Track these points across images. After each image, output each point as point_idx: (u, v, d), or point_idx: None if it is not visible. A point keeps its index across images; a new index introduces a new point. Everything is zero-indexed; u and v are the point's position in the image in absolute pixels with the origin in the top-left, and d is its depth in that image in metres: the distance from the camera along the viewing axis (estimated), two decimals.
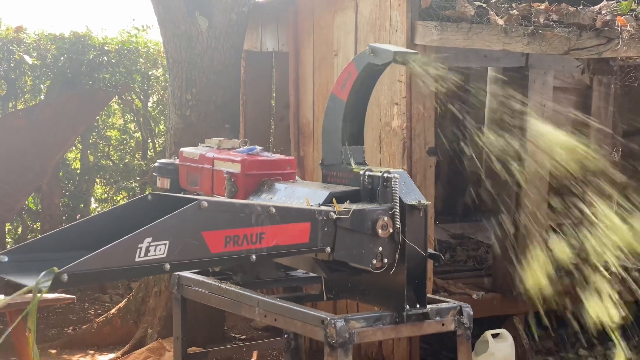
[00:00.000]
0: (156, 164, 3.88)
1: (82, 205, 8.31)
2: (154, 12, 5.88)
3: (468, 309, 3.13)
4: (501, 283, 5.49)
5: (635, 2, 4.41)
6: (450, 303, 3.13)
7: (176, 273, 3.60)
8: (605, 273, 5.86)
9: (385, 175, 2.95)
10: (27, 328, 2.31)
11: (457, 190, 8.44)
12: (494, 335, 4.75)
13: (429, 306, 3.02)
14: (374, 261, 2.90)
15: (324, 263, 3.07)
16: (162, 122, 8.73)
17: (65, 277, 2.28)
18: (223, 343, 5.96)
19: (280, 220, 2.75)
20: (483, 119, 5.50)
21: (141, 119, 8.62)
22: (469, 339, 3.15)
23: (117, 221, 2.77)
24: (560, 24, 4.32)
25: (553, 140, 3.03)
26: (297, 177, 3.48)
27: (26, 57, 7.57)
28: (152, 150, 8.69)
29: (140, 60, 8.34)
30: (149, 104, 8.83)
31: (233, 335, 6.35)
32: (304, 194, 3.08)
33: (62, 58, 7.83)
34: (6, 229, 7.84)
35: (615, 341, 5.22)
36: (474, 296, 5.27)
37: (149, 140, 8.71)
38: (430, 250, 3.11)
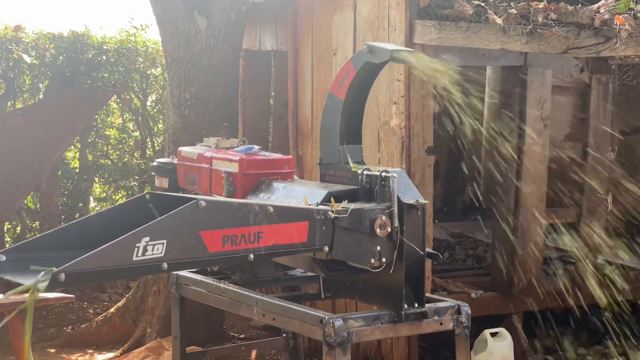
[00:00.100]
0: (154, 163, 3.88)
1: (81, 204, 8.31)
2: (153, 12, 5.88)
3: (466, 308, 3.13)
4: (500, 282, 5.50)
5: (633, 1, 4.41)
6: (449, 302, 3.14)
7: (174, 272, 3.60)
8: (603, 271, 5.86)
9: (384, 174, 2.95)
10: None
11: (456, 189, 8.45)
12: (493, 334, 4.75)
13: (427, 305, 3.02)
14: (372, 260, 2.90)
15: (322, 262, 3.07)
16: (160, 121, 8.73)
17: (62, 276, 2.28)
18: (222, 342, 5.96)
19: (278, 220, 2.75)
20: (482, 118, 5.50)
21: (140, 118, 8.62)
22: (468, 338, 3.15)
23: (115, 220, 2.77)
24: (559, 22, 4.32)
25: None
26: (295, 177, 3.48)
27: (25, 56, 7.56)
28: (150, 150, 8.69)
29: (139, 59, 8.34)
30: (148, 103, 8.83)
31: (232, 334, 6.36)
32: (302, 193, 3.08)
33: (60, 57, 7.83)
34: (5, 228, 7.84)
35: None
36: (473, 295, 5.27)
37: (148, 140, 8.71)
38: (428, 249, 3.11)
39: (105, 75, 8.16)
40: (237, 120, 6.32)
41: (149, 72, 8.56)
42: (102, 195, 8.96)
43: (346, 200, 2.98)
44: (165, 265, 2.52)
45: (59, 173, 7.99)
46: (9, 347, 5.46)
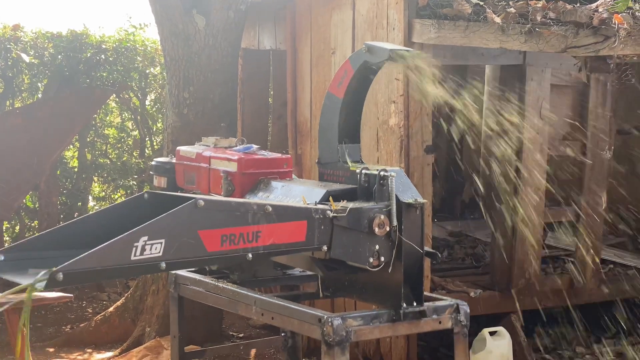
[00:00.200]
0: (153, 163, 3.88)
1: (79, 203, 8.31)
2: (151, 10, 5.88)
3: (465, 307, 3.13)
4: (499, 281, 5.50)
5: (632, 0, 4.41)
6: (447, 301, 3.13)
7: (173, 272, 3.60)
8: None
9: (382, 173, 2.95)
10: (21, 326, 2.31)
11: (455, 188, 8.45)
12: (492, 333, 4.76)
13: (426, 304, 3.02)
14: (371, 259, 2.89)
15: (321, 261, 3.07)
16: (159, 120, 8.73)
17: (60, 275, 2.28)
18: (221, 341, 5.96)
19: (276, 219, 2.74)
20: (480, 117, 5.49)
21: (139, 117, 8.62)
22: (466, 337, 3.15)
23: (113, 219, 2.77)
24: (558, 21, 4.32)
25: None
26: (294, 176, 3.48)
27: (23, 56, 7.56)
28: (149, 149, 8.68)
29: (138, 58, 8.34)
30: (147, 102, 8.83)
31: (231, 333, 6.36)
32: (300, 193, 3.07)
33: (59, 56, 7.82)
34: (4, 228, 7.84)
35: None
36: (472, 294, 5.28)
37: (147, 139, 8.71)
38: (427, 248, 3.11)
39: (104, 74, 8.15)
40: (236, 119, 6.32)
41: (147, 71, 8.56)
42: (101, 195, 8.96)
43: (345, 200, 2.98)
44: (163, 264, 2.51)
45: (58, 172, 7.99)
46: (8, 346, 5.46)
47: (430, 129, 4.90)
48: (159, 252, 2.49)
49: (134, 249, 2.43)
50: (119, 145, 8.82)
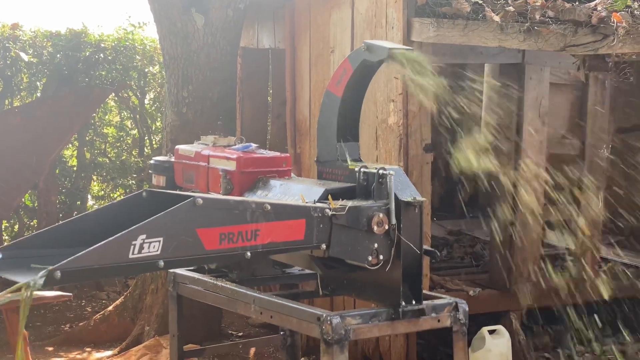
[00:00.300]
0: (152, 162, 3.87)
1: (78, 202, 8.31)
2: (150, 9, 5.87)
3: (464, 305, 3.13)
4: (498, 279, 5.50)
5: None
6: (446, 299, 3.13)
7: (172, 270, 3.60)
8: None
9: (381, 171, 2.95)
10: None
11: (454, 186, 8.44)
12: (491, 332, 4.76)
13: (425, 302, 3.02)
14: (370, 258, 2.89)
15: (320, 260, 3.07)
16: (158, 119, 8.73)
17: (58, 274, 2.28)
18: (220, 340, 5.96)
19: (275, 217, 2.74)
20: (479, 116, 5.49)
21: (138, 116, 8.62)
22: (465, 335, 3.15)
23: (112, 218, 2.76)
24: (556, 20, 4.32)
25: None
26: (293, 174, 3.48)
27: (22, 54, 7.56)
28: (148, 148, 8.68)
29: (137, 57, 8.34)
30: (146, 101, 8.83)
31: (230, 332, 6.35)
32: (299, 191, 3.07)
33: (58, 55, 7.82)
34: (2, 227, 7.83)
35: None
36: (471, 292, 5.28)
37: (146, 138, 8.71)
38: (426, 247, 3.11)
39: (103, 73, 8.15)
40: (235, 118, 6.32)
41: (146, 70, 8.56)
42: (100, 194, 8.96)
43: (343, 198, 2.97)
44: (161, 263, 2.51)
45: (57, 171, 7.98)
46: (7, 345, 5.46)
47: (429, 128, 4.90)
48: (157, 251, 2.49)
49: (132, 247, 2.42)
50: (118, 144, 8.82)
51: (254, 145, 3.50)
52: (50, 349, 6.08)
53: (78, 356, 5.91)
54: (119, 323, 6.24)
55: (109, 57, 8.11)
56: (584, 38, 4.20)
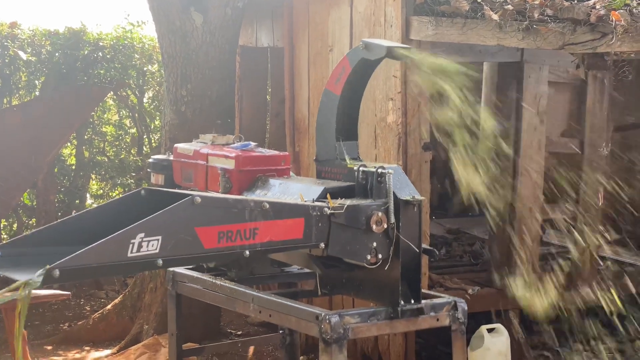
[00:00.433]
0: (150, 160, 3.87)
1: (77, 201, 8.31)
2: (149, 8, 5.87)
3: (462, 304, 3.13)
4: (497, 278, 5.50)
5: None
6: (445, 298, 3.13)
7: (171, 269, 3.60)
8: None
9: (380, 170, 2.95)
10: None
11: (453, 185, 8.44)
12: (490, 330, 4.75)
13: (423, 301, 3.02)
14: (368, 257, 2.89)
15: (319, 259, 3.07)
16: (157, 117, 8.72)
17: (57, 272, 2.27)
18: (219, 339, 5.96)
19: (273, 216, 2.74)
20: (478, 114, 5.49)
21: (136, 115, 8.61)
22: (464, 334, 3.15)
23: (110, 216, 2.76)
24: (555, 18, 4.32)
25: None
26: (292, 173, 3.48)
27: (21, 53, 7.56)
28: (147, 146, 8.68)
29: (136, 55, 8.33)
30: (144, 100, 8.82)
31: (229, 330, 6.35)
32: (298, 190, 3.07)
33: (56, 54, 7.81)
34: (1, 225, 7.83)
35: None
36: (470, 291, 5.27)
37: (145, 136, 8.70)
38: (424, 246, 3.10)
39: (102, 71, 8.15)
40: (234, 116, 6.32)
41: (145, 68, 8.55)
42: (98, 192, 8.95)
43: (342, 197, 2.97)
44: (160, 261, 2.51)
45: (56, 170, 7.98)
46: (6, 344, 5.45)
47: (428, 126, 4.90)
48: (156, 249, 2.48)
49: (131, 245, 2.42)
50: (117, 143, 8.81)
51: (252, 143, 3.50)
52: (49, 347, 6.07)
53: (77, 355, 5.91)
54: (118, 322, 6.24)
55: (108, 56, 8.11)
56: (582, 36, 4.20)
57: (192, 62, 5.75)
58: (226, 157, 3.38)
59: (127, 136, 8.88)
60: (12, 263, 2.57)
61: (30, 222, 8.13)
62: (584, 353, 5.56)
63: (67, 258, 2.29)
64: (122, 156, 8.70)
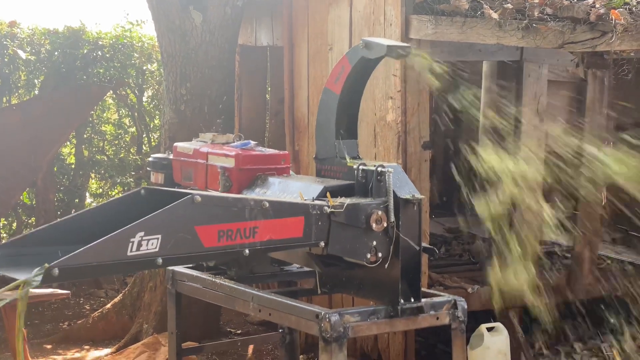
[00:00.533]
0: (150, 159, 3.87)
1: (77, 200, 8.30)
2: (148, 6, 5.87)
3: (462, 303, 3.13)
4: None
5: None
6: (445, 297, 3.13)
7: (170, 268, 3.60)
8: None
9: (379, 169, 2.95)
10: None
11: (452, 184, 8.44)
12: (489, 329, 4.75)
13: (423, 300, 3.02)
14: (368, 255, 2.89)
15: (318, 257, 3.06)
16: (157, 116, 8.72)
17: (56, 271, 2.27)
18: (218, 338, 5.96)
19: (274, 215, 2.74)
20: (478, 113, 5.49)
21: (136, 114, 8.61)
22: (464, 333, 3.15)
23: (110, 215, 2.76)
24: (555, 17, 4.32)
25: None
26: (291, 172, 3.47)
27: (20, 52, 7.55)
28: (147, 145, 8.67)
29: (135, 54, 8.33)
30: (144, 99, 8.82)
31: (228, 329, 6.35)
32: (297, 188, 3.07)
33: (56, 53, 7.81)
34: (1, 224, 7.83)
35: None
36: (470, 290, 5.28)
37: (144, 135, 8.70)
38: (424, 244, 3.10)
39: (101, 70, 8.14)
40: (233, 115, 6.32)
41: (144, 67, 8.55)
42: (98, 191, 8.95)
43: (342, 196, 2.97)
44: (160, 260, 2.51)
45: (55, 169, 7.97)
46: (5, 342, 5.45)
47: (428, 125, 4.90)
48: (156, 248, 2.48)
49: (130, 244, 2.42)
50: (116, 142, 8.81)
51: (252, 142, 3.50)
52: (49, 346, 6.07)
53: (76, 354, 5.91)
54: (118, 321, 6.24)
55: (107, 55, 8.10)
56: (582, 35, 4.20)
57: (192, 61, 5.75)
58: (226, 155, 3.38)
59: (126, 135, 8.87)
60: (11, 262, 2.57)
61: (30, 221, 8.12)
62: (584, 351, 5.56)
63: (66, 257, 2.29)
64: (122, 155, 8.69)
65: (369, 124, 5.07)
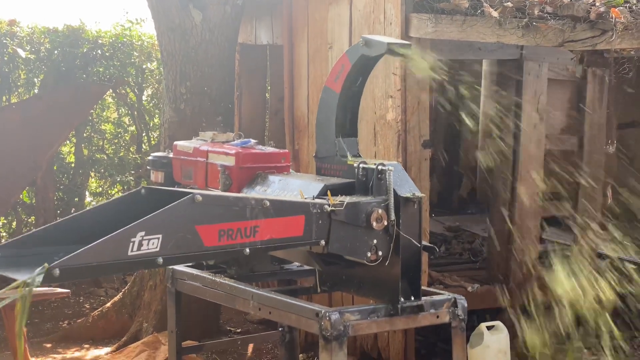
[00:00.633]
0: (150, 158, 3.87)
1: (76, 199, 8.30)
2: (148, 5, 5.86)
3: (462, 301, 3.13)
4: (496, 275, 5.50)
5: None
6: (445, 295, 3.13)
7: (170, 267, 3.59)
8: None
9: (380, 167, 2.95)
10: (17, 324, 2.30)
11: (452, 182, 8.45)
12: (489, 328, 4.75)
13: (423, 298, 3.02)
14: (369, 254, 2.89)
15: (319, 256, 3.06)
16: (156, 115, 8.71)
17: (57, 271, 2.27)
18: (218, 336, 5.96)
19: (274, 214, 2.74)
20: (478, 112, 5.49)
21: (135, 113, 8.60)
22: (464, 331, 3.15)
23: (110, 215, 2.76)
24: (555, 16, 4.32)
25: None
26: (291, 170, 3.47)
27: (20, 51, 7.54)
28: (146, 144, 8.67)
29: (135, 53, 8.32)
30: (144, 98, 8.81)
31: (228, 328, 6.35)
32: (298, 187, 3.07)
33: (55, 51, 7.80)
34: (0, 223, 7.82)
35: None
36: (469, 288, 5.28)
37: (144, 134, 8.69)
38: (424, 243, 3.10)
39: (101, 69, 8.14)
40: (233, 114, 6.31)
41: (144, 66, 8.54)
42: (98, 190, 8.94)
43: (342, 194, 2.97)
44: (160, 259, 2.51)
45: (55, 168, 7.97)
46: (5, 341, 5.46)
47: (428, 124, 4.89)
48: (156, 247, 2.48)
49: (131, 244, 2.42)
50: (116, 141, 8.80)
51: (252, 141, 3.50)
52: (49, 345, 6.07)
53: (76, 353, 5.91)
54: (117, 320, 6.24)
55: (107, 54, 8.10)
56: (582, 34, 4.20)
57: (191, 59, 5.74)
58: (226, 154, 3.38)
59: (126, 134, 8.87)
60: (12, 263, 2.57)
61: (30, 220, 8.12)
62: (584, 350, 5.56)
63: (67, 257, 2.29)
64: (121, 154, 8.69)
65: (369, 123, 5.07)
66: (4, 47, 7.57)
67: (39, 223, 7.44)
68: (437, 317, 3.07)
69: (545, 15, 4.35)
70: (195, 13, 5.69)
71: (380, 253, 2.90)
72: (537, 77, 5.35)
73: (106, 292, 7.53)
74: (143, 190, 2.86)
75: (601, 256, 6.06)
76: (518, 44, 4.82)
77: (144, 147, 8.63)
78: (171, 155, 3.76)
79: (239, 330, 6.33)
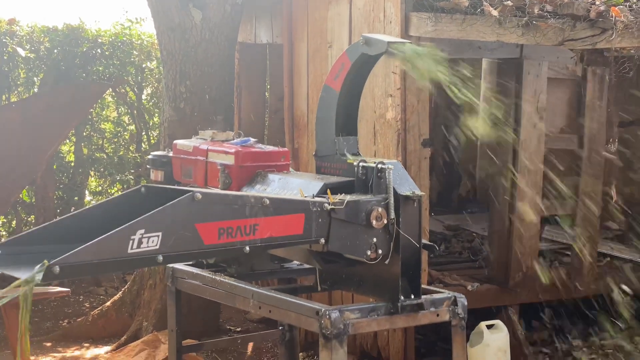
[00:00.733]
0: (149, 157, 3.86)
1: (76, 198, 8.30)
2: (148, 4, 5.86)
3: (462, 300, 3.13)
4: (496, 274, 5.50)
5: None
6: (445, 294, 3.13)
7: (170, 265, 3.59)
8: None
9: (379, 166, 2.95)
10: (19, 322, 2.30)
11: (452, 181, 8.45)
12: (489, 326, 4.75)
13: (423, 297, 3.02)
14: (368, 252, 2.89)
15: (319, 254, 3.06)
16: (156, 114, 8.71)
17: (57, 269, 2.27)
18: (218, 335, 5.96)
19: (274, 212, 2.74)
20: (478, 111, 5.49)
21: (135, 112, 8.60)
22: (464, 330, 3.15)
23: (110, 213, 2.76)
24: (555, 14, 4.32)
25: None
26: (291, 169, 3.47)
27: (19, 50, 7.54)
28: (146, 143, 8.67)
29: (134, 52, 8.32)
30: (143, 97, 8.81)
31: (228, 327, 6.36)
32: (297, 185, 3.07)
33: (55, 50, 7.80)
34: (0, 222, 7.82)
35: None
36: (469, 287, 5.28)
37: (143, 133, 8.69)
38: (424, 241, 3.10)
39: (100, 68, 8.14)
40: (233, 113, 6.31)
41: (144, 65, 8.54)
42: (97, 189, 8.94)
43: (342, 193, 2.97)
44: (160, 257, 2.51)
45: (54, 167, 7.97)
46: (5, 341, 5.46)
47: (427, 123, 4.90)
48: (156, 245, 2.48)
49: (131, 242, 2.42)
50: (116, 140, 8.80)
51: (252, 139, 3.50)
52: (49, 344, 6.07)
53: (76, 352, 5.91)
54: (117, 318, 6.24)
55: (107, 53, 8.10)
56: (582, 32, 4.20)
57: (191, 58, 5.74)
58: (226, 152, 3.38)
59: (125, 133, 8.86)
60: (11, 261, 2.57)
61: (29, 218, 8.12)
62: (583, 349, 5.56)
63: (67, 254, 2.29)
64: (121, 153, 8.69)
65: (369, 122, 5.07)
66: (4, 46, 7.57)
67: (39, 222, 7.44)
68: (437, 315, 3.07)
69: (545, 14, 4.35)
70: (195, 12, 5.69)
71: (380, 251, 2.90)
72: (537, 76, 5.34)
73: (106, 291, 7.53)
74: (143, 189, 2.86)
75: (603, 255, 6.07)
76: (518, 43, 4.82)
77: (143, 146, 8.63)
78: (171, 154, 3.76)
79: (239, 329, 6.33)
